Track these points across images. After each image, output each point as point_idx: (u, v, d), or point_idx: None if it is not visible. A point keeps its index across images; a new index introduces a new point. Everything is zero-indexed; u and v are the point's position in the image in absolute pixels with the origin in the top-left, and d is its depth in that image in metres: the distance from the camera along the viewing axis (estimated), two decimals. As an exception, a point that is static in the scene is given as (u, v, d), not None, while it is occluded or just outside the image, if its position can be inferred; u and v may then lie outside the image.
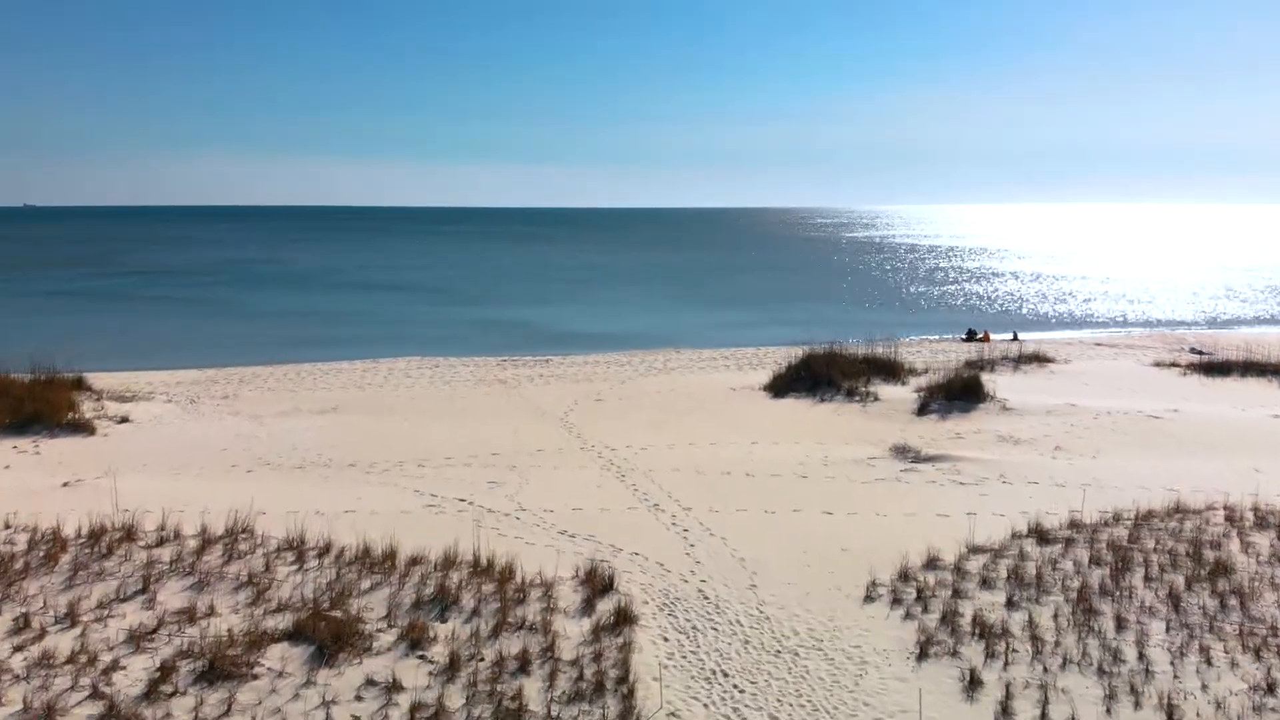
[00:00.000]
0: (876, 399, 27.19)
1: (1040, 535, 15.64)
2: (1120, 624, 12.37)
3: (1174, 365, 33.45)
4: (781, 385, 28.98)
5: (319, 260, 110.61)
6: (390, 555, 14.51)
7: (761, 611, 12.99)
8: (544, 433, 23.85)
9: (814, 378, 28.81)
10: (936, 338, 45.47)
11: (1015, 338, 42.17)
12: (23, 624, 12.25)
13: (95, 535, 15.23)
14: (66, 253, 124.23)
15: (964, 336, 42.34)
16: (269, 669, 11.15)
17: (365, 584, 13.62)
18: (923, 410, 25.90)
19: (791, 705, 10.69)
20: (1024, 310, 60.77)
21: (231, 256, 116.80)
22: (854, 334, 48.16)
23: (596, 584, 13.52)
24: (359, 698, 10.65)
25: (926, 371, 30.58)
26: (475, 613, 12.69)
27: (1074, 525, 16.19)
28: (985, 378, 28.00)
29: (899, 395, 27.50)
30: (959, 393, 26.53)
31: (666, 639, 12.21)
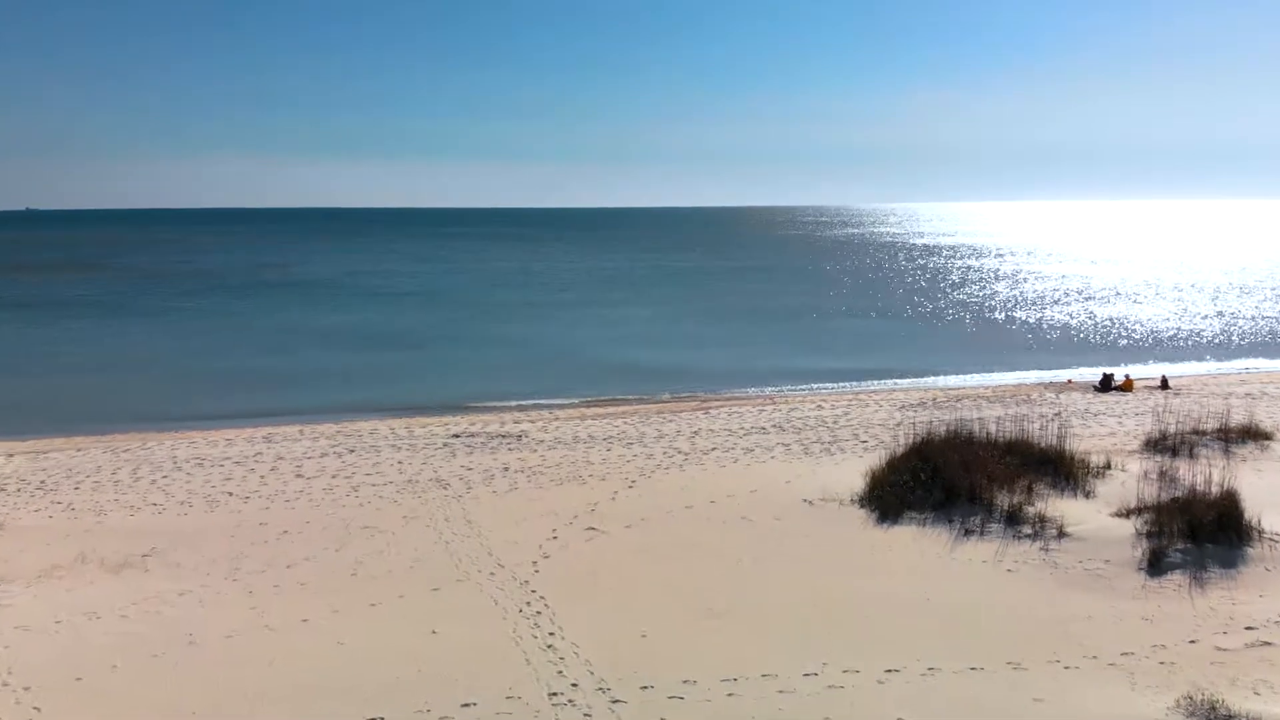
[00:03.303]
0: (1061, 534, 16.07)
1: None
2: None
3: None
4: (889, 497, 17.86)
5: (311, 264, 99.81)
6: None
7: None
8: (487, 639, 12.66)
9: (943, 485, 17.72)
10: (1052, 379, 34.53)
11: (1165, 384, 31.00)
12: None
13: None
14: (38, 258, 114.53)
15: (1098, 385, 30.73)
16: None
17: None
18: (1156, 564, 14.80)
19: None
20: (1133, 334, 49.66)
21: (203, 263, 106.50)
22: (928, 364, 37.30)
23: None
24: None
25: (1108, 468, 19.50)
26: None
27: None
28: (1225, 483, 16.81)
29: (1094, 524, 16.38)
30: (1209, 527, 15.44)
31: None
